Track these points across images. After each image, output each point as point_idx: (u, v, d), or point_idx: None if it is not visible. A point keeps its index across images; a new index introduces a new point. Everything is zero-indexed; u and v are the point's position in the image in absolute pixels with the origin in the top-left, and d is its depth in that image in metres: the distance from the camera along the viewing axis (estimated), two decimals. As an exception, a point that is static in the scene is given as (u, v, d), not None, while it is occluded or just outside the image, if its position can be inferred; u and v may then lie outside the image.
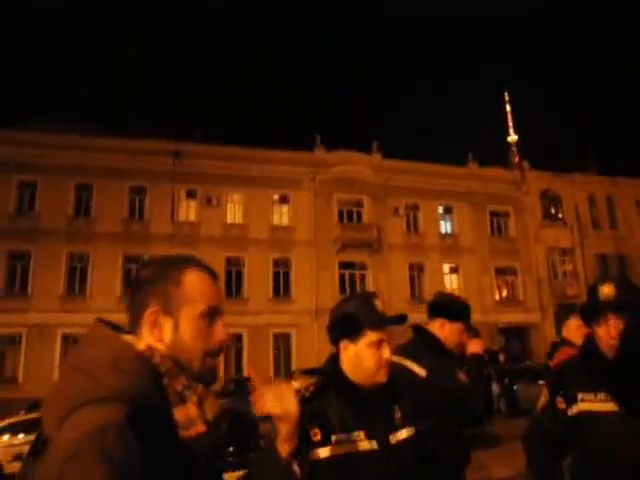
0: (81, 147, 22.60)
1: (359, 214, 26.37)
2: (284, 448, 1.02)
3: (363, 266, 25.64)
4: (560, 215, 30.02)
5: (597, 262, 29.64)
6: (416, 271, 26.41)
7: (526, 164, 30.32)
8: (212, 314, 0.95)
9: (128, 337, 0.89)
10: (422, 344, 2.43)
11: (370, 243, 25.21)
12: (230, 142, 25.45)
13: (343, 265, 25.32)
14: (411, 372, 2.29)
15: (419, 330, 2.54)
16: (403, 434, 1.58)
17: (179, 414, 0.85)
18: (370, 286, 25.10)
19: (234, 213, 25.00)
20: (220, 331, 0.95)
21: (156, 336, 0.90)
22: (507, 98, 68.58)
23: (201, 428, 0.87)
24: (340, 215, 25.98)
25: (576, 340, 3.69)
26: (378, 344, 1.55)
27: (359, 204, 26.38)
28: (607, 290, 1.85)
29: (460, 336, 2.44)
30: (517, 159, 33.63)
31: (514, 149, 61.08)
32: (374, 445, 1.48)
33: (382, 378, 1.55)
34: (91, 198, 23.12)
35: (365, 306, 1.58)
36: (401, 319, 1.64)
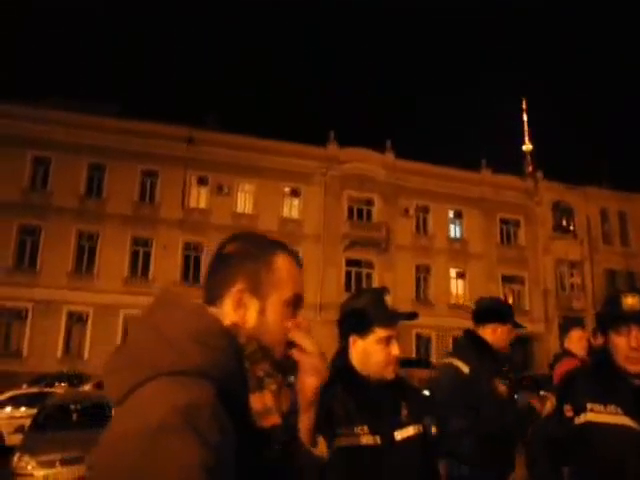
0: (96, 127, 22.66)
1: (369, 212, 26.33)
2: (306, 417, 0.92)
3: (370, 264, 25.62)
4: (571, 227, 29.79)
5: (606, 277, 29.40)
6: (422, 273, 26.35)
7: (540, 174, 30.12)
8: (297, 302, 0.92)
9: (214, 311, 0.84)
10: (471, 346, 2.52)
11: (378, 242, 25.18)
12: (244, 131, 25.48)
13: (350, 262, 25.32)
14: (457, 369, 2.39)
15: (471, 333, 2.60)
16: (409, 431, 1.57)
17: (256, 401, 0.81)
18: (376, 285, 25.10)
19: (244, 203, 25.05)
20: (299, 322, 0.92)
21: (241, 316, 0.85)
22: (524, 106, 68.09)
23: (276, 419, 0.83)
24: (350, 212, 25.94)
25: (577, 351, 3.71)
26: (387, 340, 1.56)
27: (369, 202, 26.33)
28: (631, 301, 1.81)
29: (510, 336, 2.54)
30: (531, 168, 33.39)
31: (529, 158, 60.62)
32: (377, 440, 1.49)
33: (390, 374, 1.56)
34: (103, 178, 23.25)
35: (375, 303, 1.59)
36: (411, 316, 1.67)
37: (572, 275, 29.12)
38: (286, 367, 0.89)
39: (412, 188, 26.61)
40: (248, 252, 0.89)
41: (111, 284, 21.58)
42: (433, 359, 23.76)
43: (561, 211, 29.80)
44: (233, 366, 0.76)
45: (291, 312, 0.90)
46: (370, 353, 1.56)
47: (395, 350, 1.56)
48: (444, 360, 2.82)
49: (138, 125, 23.56)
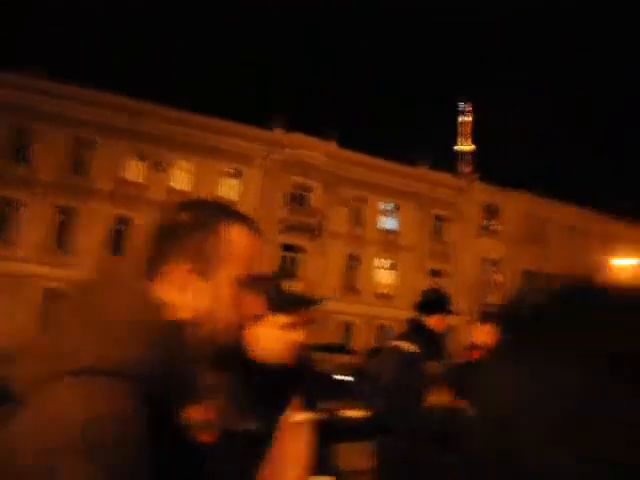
0: (21, 87, 21.34)
1: (307, 199, 26.71)
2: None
3: (303, 250, 26.09)
4: (496, 228, 31.60)
5: (523, 276, 31.51)
6: (353, 262, 27.14)
7: (473, 175, 31.60)
8: (253, 282, 0.78)
9: (157, 297, 0.70)
10: (418, 332, 2.76)
11: (312, 228, 25.65)
12: (195, 110, 24.89)
13: (285, 247, 25.65)
14: (404, 350, 2.63)
15: (416, 322, 2.84)
16: (299, 417, 1.47)
17: (196, 412, 0.71)
18: (307, 270, 25.61)
19: (182, 180, 24.69)
20: (255, 302, 0.79)
21: (185, 299, 0.71)
22: (468, 108, 70.47)
23: (212, 436, 0.72)
24: (288, 197, 26.22)
25: (484, 345, 4.20)
26: (287, 326, 1.54)
27: (308, 189, 26.70)
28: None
29: (447, 323, 2.85)
30: (467, 168, 34.96)
31: (465, 158, 63.03)
32: (266, 426, 1.46)
33: (288, 360, 1.55)
34: (30, 144, 22.10)
35: (273, 289, 1.56)
36: (310, 302, 1.66)
37: (493, 272, 31.00)
38: (235, 354, 0.78)
39: (352, 178, 27.20)
40: (197, 222, 0.75)
41: (31, 252, 20.77)
42: (356, 346, 24.63)
43: (489, 211, 31.50)
44: (171, 368, 0.66)
45: (245, 292, 0.76)
46: (267, 339, 1.52)
47: (298, 336, 1.54)
48: (389, 344, 3.02)
49: (77, 91, 22.49)
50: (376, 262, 27.68)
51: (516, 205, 31.87)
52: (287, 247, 25.76)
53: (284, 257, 25.58)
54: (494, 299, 29.57)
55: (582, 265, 33.94)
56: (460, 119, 51.16)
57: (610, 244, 36.06)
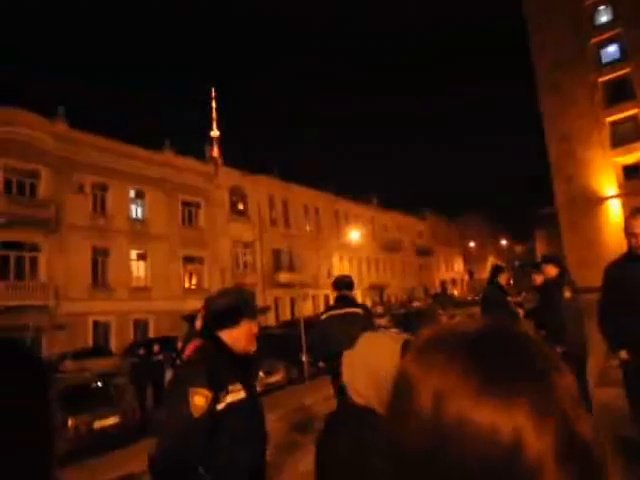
0: None
1: (33, 187, 22.77)
2: None
3: (35, 247, 22.24)
4: (245, 211, 33.16)
5: (272, 255, 34.05)
6: (101, 256, 24.59)
7: (220, 160, 32.25)
8: None
9: None
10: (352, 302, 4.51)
11: (46, 222, 22.05)
12: None
13: (8, 245, 21.31)
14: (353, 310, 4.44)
15: (346, 296, 4.50)
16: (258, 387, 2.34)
17: None
18: (43, 270, 22.02)
19: None
20: None
21: None
22: (214, 94, 71.38)
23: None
24: (7, 185, 21.84)
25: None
26: (252, 327, 2.09)
27: (34, 175, 22.75)
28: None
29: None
30: (214, 154, 35.40)
31: (214, 144, 64.03)
32: (245, 394, 1.94)
33: (253, 348, 2.10)
34: None
35: (243, 301, 2.13)
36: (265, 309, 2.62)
37: (245, 254, 32.55)
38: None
39: (89, 163, 24.34)
40: None
41: None
42: (115, 347, 22.62)
43: (237, 196, 32.75)
44: None
45: None
46: (239, 339, 2.04)
47: (255, 328, 2.11)
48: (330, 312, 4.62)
49: None
50: (126, 254, 25.68)
51: (260, 189, 34.00)
52: (12, 245, 21.47)
53: (6, 257, 21.29)
54: (250, 279, 31.14)
55: (321, 241, 38.64)
56: (212, 105, 51.27)
57: (342, 220, 42.04)
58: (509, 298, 6.11)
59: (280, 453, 5.29)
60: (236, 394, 1.89)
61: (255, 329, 2.10)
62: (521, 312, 6.18)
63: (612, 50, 38.04)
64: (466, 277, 66.57)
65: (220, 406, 1.80)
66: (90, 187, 24.47)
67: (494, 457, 0.39)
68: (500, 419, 0.40)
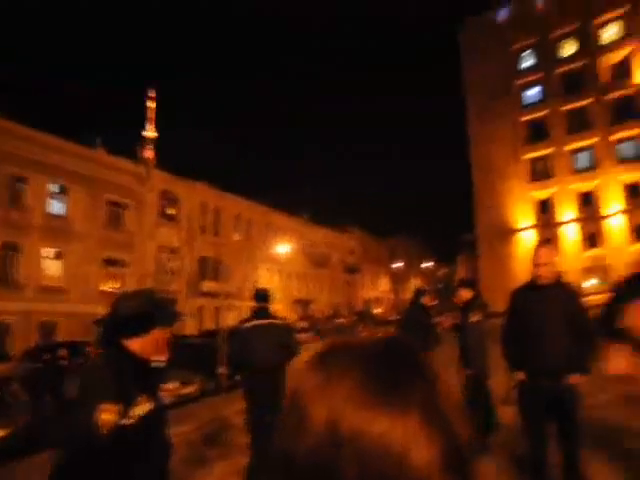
0: None
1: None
2: None
3: None
4: (176, 216, 32.19)
5: (199, 263, 33.22)
6: (10, 251, 22.74)
7: (153, 162, 31.19)
8: None
9: None
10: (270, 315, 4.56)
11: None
12: None
13: None
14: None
15: (266, 309, 4.55)
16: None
17: None
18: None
19: None
20: None
21: None
22: (151, 94, 69.09)
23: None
24: None
25: None
26: (164, 336, 1.92)
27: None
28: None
29: None
30: (148, 156, 34.16)
31: (149, 146, 61.78)
32: (152, 406, 1.84)
33: (164, 357, 1.95)
34: None
35: (156, 305, 1.91)
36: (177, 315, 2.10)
37: (171, 260, 31.51)
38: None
39: (6, 152, 22.59)
40: None
41: None
42: (16, 350, 20.85)
43: (169, 200, 31.75)
44: None
45: None
46: (150, 348, 1.87)
47: (167, 337, 1.93)
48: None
49: None
50: (40, 251, 23.95)
51: (193, 195, 33.21)
52: None
53: None
54: (174, 287, 30.13)
55: (247, 251, 38.27)
56: (147, 105, 49.07)
57: (273, 233, 41.93)
58: (433, 319, 6.41)
59: (191, 466, 5.13)
60: (142, 407, 1.79)
61: (167, 337, 1.93)
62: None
63: (533, 93, 41.39)
64: (391, 296, 68.57)
65: (126, 420, 1.70)
66: (7, 178, 22.67)
67: (386, 466, 0.40)
68: (393, 430, 0.41)
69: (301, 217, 48.19)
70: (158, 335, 1.89)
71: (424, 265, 78.28)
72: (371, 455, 0.41)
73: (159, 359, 1.96)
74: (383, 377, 0.44)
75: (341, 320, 37.39)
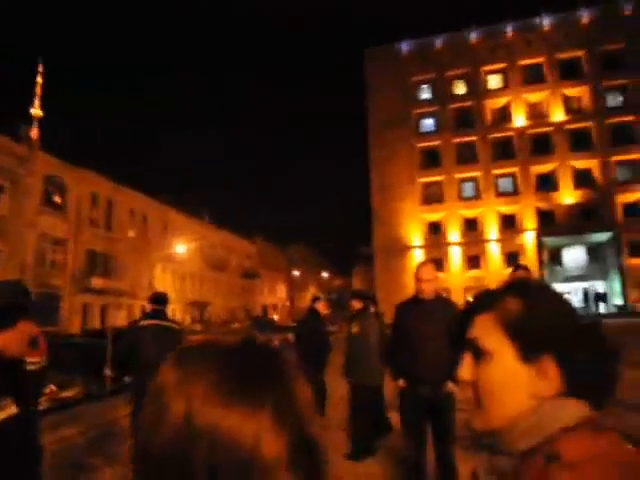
0: None
1: None
2: None
3: None
4: (63, 205, 29.63)
5: (87, 257, 30.87)
6: None
7: (37, 143, 28.47)
8: None
9: None
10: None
11: None
12: None
13: None
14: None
15: (161, 311, 4.45)
16: None
17: None
18: None
19: None
20: None
21: None
22: (40, 69, 63.27)
23: None
24: None
25: None
26: (31, 330, 1.73)
27: None
28: None
29: None
30: (33, 135, 31.03)
31: (35, 124, 56.20)
32: (18, 409, 1.65)
33: (35, 356, 1.90)
34: None
35: (22, 296, 1.74)
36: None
37: (54, 252, 28.92)
38: None
39: None
40: None
41: None
42: None
43: (54, 187, 29.16)
44: None
45: None
46: (15, 343, 1.68)
47: (35, 332, 1.77)
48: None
49: None
50: None
51: (83, 184, 30.88)
52: None
53: None
54: (57, 281, 27.64)
55: (143, 247, 36.44)
56: (36, 80, 44.21)
57: (170, 231, 40.32)
58: (327, 327, 6.63)
59: (76, 472, 4.83)
60: (6, 411, 1.63)
61: (35, 332, 1.76)
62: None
63: (429, 123, 44.86)
64: (287, 304, 69.17)
65: None
66: None
67: (237, 458, 0.44)
68: (245, 425, 0.45)
69: (201, 218, 46.96)
70: (24, 329, 1.71)
71: (321, 275, 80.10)
72: (223, 448, 0.44)
73: (33, 359, 1.84)
74: (239, 375, 0.48)
75: (236, 325, 36.96)
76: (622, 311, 34.03)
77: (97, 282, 30.55)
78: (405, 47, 45.96)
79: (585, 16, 41.56)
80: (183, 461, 0.44)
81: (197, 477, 0.43)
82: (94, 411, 7.59)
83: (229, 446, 0.44)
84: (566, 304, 0.76)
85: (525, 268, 4.25)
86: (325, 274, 79.88)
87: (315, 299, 6.74)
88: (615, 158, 39.15)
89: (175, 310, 40.01)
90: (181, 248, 36.94)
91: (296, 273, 68.29)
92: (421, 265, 3.82)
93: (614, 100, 40.44)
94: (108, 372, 8.10)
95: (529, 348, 0.72)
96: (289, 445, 0.46)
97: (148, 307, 4.62)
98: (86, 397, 8.55)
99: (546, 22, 42.45)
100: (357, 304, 5.72)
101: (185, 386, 0.47)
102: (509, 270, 4.46)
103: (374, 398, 5.51)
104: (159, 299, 4.54)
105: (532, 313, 0.73)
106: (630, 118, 39.09)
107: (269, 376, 0.49)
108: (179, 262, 40.19)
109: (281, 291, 68.14)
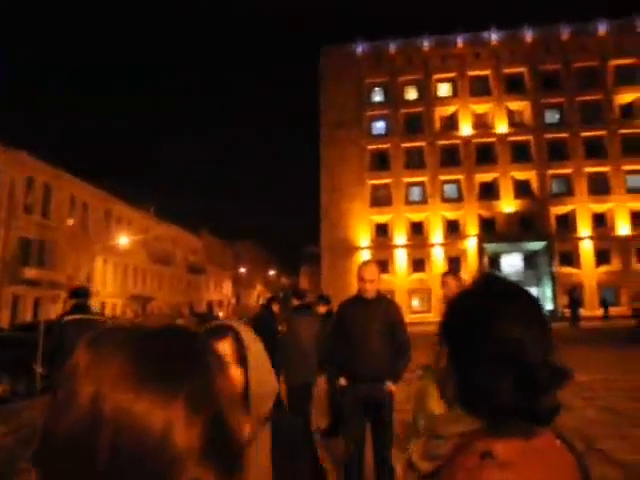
0: None
1: None
2: None
3: None
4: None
5: (20, 246, 29.11)
6: None
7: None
8: None
9: None
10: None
11: None
12: None
13: None
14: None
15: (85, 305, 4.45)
16: None
17: None
18: None
19: None
20: None
21: None
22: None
23: None
24: None
25: None
26: None
27: None
28: None
29: None
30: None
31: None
32: None
33: None
34: None
35: None
36: None
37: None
38: None
39: None
40: None
41: None
42: None
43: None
44: None
45: None
46: None
47: None
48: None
49: None
50: None
51: (18, 167, 29.08)
52: None
53: None
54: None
55: (85, 238, 34.84)
56: None
57: (113, 222, 38.78)
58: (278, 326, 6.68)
59: (5, 477, 4.55)
60: None
61: None
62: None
63: (380, 125, 45.65)
64: (233, 300, 68.27)
65: None
66: None
67: (145, 445, 0.42)
68: (155, 412, 0.43)
69: (146, 210, 45.46)
70: None
71: (268, 273, 79.60)
72: (130, 434, 0.42)
73: None
74: (154, 361, 0.47)
75: (180, 321, 36.05)
76: (552, 315, 36.18)
77: (30, 273, 28.86)
78: (360, 48, 46.50)
79: (529, 35, 43.79)
80: (87, 445, 0.42)
81: (98, 462, 0.42)
82: (24, 410, 7.20)
83: (136, 433, 0.42)
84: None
85: (455, 274, 4.33)
86: (272, 272, 79.51)
87: (272, 298, 6.82)
88: (551, 172, 41.52)
89: (116, 304, 38.49)
90: (124, 240, 35.59)
91: (243, 270, 67.56)
92: (364, 265, 3.85)
93: (552, 117, 42.88)
94: (39, 369, 7.67)
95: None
96: (203, 436, 0.44)
97: (69, 302, 4.52)
98: (13, 396, 8.07)
99: (494, 37, 44.33)
100: (321, 308, 5.81)
101: (95, 369, 0.46)
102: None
103: (305, 396, 5.45)
104: (79, 292, 4.47)
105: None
106: (565, 135, 41.61)
107: (187, 363, 0.47)
108: (121, 254, 38.72)
109: (227, 288, 67.18)
